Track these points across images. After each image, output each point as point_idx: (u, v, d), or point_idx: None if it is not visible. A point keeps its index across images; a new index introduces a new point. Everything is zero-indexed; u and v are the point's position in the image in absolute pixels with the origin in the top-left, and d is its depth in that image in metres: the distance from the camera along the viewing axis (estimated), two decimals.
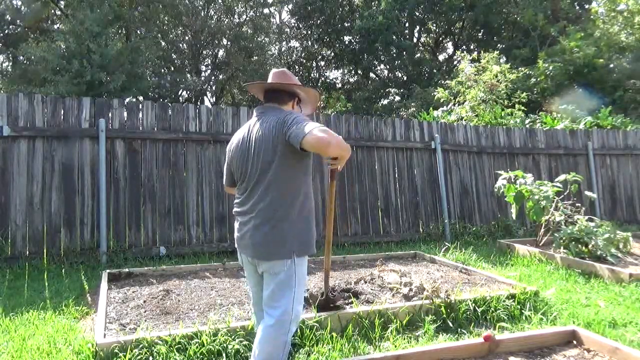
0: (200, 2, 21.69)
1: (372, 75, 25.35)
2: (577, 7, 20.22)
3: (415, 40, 24.53)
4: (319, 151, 2.09)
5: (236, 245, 2.46)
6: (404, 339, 3.04)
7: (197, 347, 2.71)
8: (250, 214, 2.30)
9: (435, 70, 21.85)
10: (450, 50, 26.15)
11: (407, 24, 23.26)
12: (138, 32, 20.07)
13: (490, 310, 3.44)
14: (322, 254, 5.06)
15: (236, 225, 2.44)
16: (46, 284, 4.37)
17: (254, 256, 2.30)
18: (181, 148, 5.87)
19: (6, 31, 19.94)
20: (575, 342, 2.97)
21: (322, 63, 25.88)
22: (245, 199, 2.36)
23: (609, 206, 8.45)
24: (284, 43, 25.70)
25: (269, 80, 2.49)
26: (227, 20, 22.67)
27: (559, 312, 3.54)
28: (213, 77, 23.02)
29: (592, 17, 18.14)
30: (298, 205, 2.28)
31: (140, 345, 2.68)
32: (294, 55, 25.42)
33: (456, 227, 7.12)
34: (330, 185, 2.71)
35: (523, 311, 3.49)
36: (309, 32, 24.10)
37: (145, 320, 3.24)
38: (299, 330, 2.95)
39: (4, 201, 5.06)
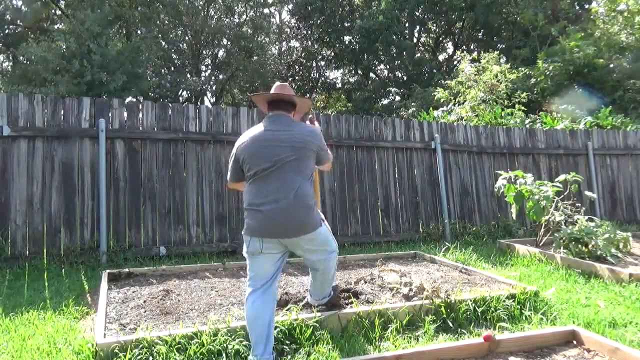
0: (200, 2, 21.68)
1: (372, 75, 25.37)
2: (577, 7, 20.21)
3: (415, 40, 24.54)
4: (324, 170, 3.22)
5: (257, 233, 2.70)
6: (404, 339, 3.04)
7: (197, 347, 2.71)
8: (283, 200, 2.65)
9: (435, 70, 21.86)
10: (450, 50, 26.17)
11: (407, 24, 23.26)
12: (138, 32, 20.07)
13: (490, 310, 3.43)
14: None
15: (257, 214, 2.70)
16: (46, 284, 4.37)
17: (295, 234, 2.70)
18: (181, 148, 5.87)
19: (6, 31, 19.95)
20: (575, 342, 2.97)
21: (322, 63, 25.87)
22: (274, 188, 2.68)
23: (609, 206, 8.45)
24: (284, 43, 25.72)
25: (277, 90, 2.93)
26: (227, 20, 22.66)
27: (558, 312, 3.54)
28: (213, 77, 23.02)
29: (592, 17, 18.14)
30: (313, 194, 2.82)
31: (140, 345, 2.68)
32: (294, 55, 25.42)
33: (456, 227, 7.12)
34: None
35: (523, 311, 3.49)
36: (309, 32, 24.11)
37: (145, 320, 3.24)
38: (298, 330, 2.95)
39: (4, 201, 5.06)
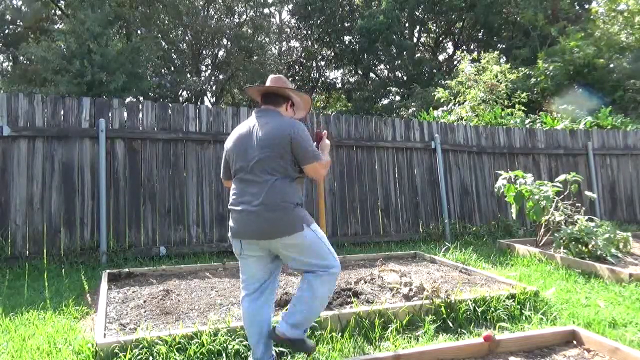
0: (200, 2, 21.68)
1: (372, 75, 25.36)
2: (577, 7, 20.21)
3: (415, 40, 24.54)
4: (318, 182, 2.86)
5: (233, 234, 2.56)
6: (404, 339, 3.04)
7: (197, 347, 2.71)
8: (256, 200, 2.45)
9: (435, 70, 21.86)
10: (450, 50, 26.17)
11: (407, 24, 23.26)
12: (138, 32, 20.07)
13: (490, 310, 3.43)
14: None
15: (234, 215, 2.55)
16: (46, 284, 4.37)
17: (267, 237, 2.44)
18: (181, 148, 5.87)
19: (6, 31, 19.95)
20: (575, 342, 2.97)
21: (322, 63, 25.87)
22: (248, 189, 2.50)
23: (609, 206, 8.45)
24: (284, 43, 25.71)
25: (267, 83, 2.74)
26: (227, 20, 22.66)
27: (558, 312, 3.54)
28: (213, 77, 23.02)
29: (592, 17, 18.13)
30: (295, 193, 2.53)
31: (140, 345, 2.68)
32: (294, 55, 25.42)
33: (456, 227, 7.12)
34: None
35: (523, 311, 3.49)
36: (309, 32, 24.10)
37: (145, 320, 3.24)
38: None
39: (4, 201, 5.06)
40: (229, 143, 2.68)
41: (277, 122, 2.55)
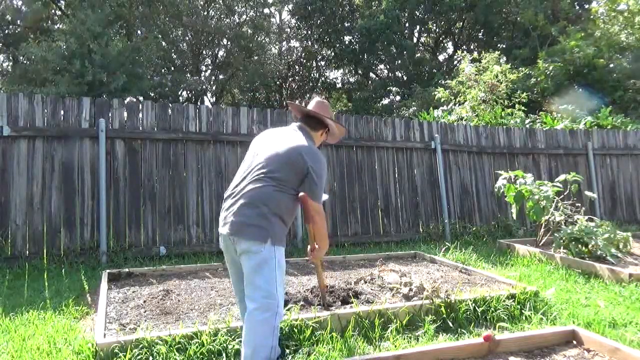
0: (201, 2, 21.68)
1: (372, 75, 25.35)
2: (577, 7, 20.20)
3: (415, 40, 24.53)
4: (308, 220, 2.56)
5: (219, 228, 2.56)
6: (404, 339, 3.04)
7: (197, 347, 2.71)
8: (240, 194, 2.46)
9: (435, 70, 21.86)
10: (450, 50, 26.16)
11: (407, 24, 23.26)
12: (138, 32, 20.08)
13: (490, 310, 3.44)
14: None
15: (222, 206, 2.58)
16: (46, 284, 4.37)
17: (233, 234, 2.39)
18: (181, 148, 5.87)
19: (6, 31, 19.95)
20: (575, 342, 2.97)
21: (322, 63, 25.85)
22: (238, 183, 2.53)
23: (609, 206, 8.45)
24: (284, 43, 25.69)
25: (312, 105, 2.81)
26: (227, 20, 22.66)
27: (558, 312, 3.54)
28: (213, 77, 23.02)
29: (592, 17, 18.13)
30: (284, 207, 2.47)
31: (140, 345, 2.68)
32: (294, 55, 25.41)
33: (456, 227, 7.12)
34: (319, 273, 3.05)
35: (523, 311, 3.49)
36: (309, 32, 24.08)
37: (145, 320, 3.24)
38: (298, 330, 2.95)
39: (4, 201, 5.06)
40: (256, 140, 2.73)
41: (306, 149, 2.53)
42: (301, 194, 2.47)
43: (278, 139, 2.60)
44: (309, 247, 2.72)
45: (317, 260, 2.87)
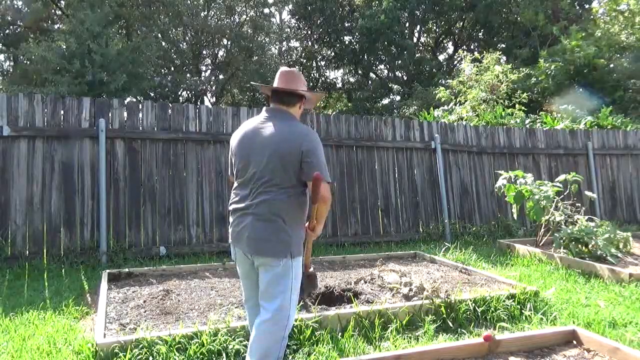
0: (201, 2, 21.68)
1: (372, 75, 25.35)
2: (578, 7, 20.21)
3: (415, 40, 24.54)
4: (317, 200, 2.29)
5: (230, 240, 2.48)
6: (404, 339, 3.04)
7: (197, 347, 2.71)
8: (251, 209, 2.33)
9: (435, 70, 21.86)
10: (450, 50, 26.17)
11: (407, 24, 23.26)
12: (138, 32, 20.08)
13: (490, 310, 3.43)
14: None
15: (231, 219, 2.46)
16: (46, 284, 4.37)
17: (252, 252, 2.32)
18: (181, 148, 5.87)
19: (6, 31, 19.95)
20: (575, 342, 2.97)
21: (322, 63, 25.87)
22: (246, 196, 2.37)
23: (609, 206, 8.45)
24: (284, 43, 25.70)
25: (278, 79, 2.50)
26: (227, 20, 22.67)
27: (559, 312, 3.54)
28: (213, 77, 23.02)
29: (592, 16, 18.13)
30: (298, 211, 2.36)
31: (140, 345, 2.68)
32: (294, 55, 25.42)
33: (456, 227, 7.12)
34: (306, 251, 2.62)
35: (523, 311, 3.49)
36: (309, 32, 24.11)
37: (145, 320, 3.24)
38: (298, 330, 2.95)
39: (4, 201, 5.06)
40: (233, 141, 2.51)
41: (289, 130, 2.34)
42: (315, 173, 2.26)
43: (264, 139, 2.36)
44: (307, 223, 2.49)
45: (312, 239, 2.62)
